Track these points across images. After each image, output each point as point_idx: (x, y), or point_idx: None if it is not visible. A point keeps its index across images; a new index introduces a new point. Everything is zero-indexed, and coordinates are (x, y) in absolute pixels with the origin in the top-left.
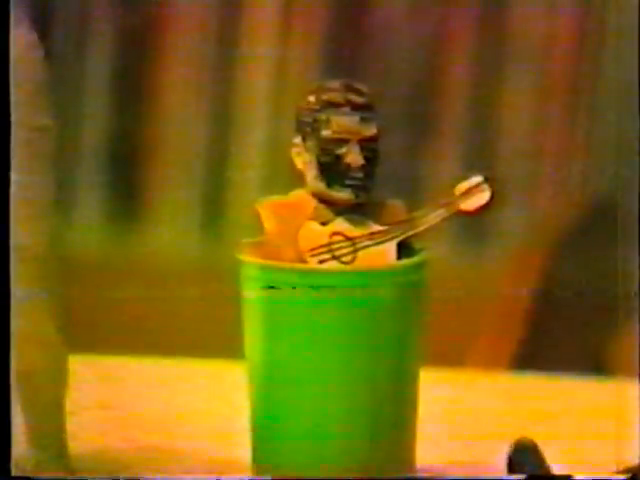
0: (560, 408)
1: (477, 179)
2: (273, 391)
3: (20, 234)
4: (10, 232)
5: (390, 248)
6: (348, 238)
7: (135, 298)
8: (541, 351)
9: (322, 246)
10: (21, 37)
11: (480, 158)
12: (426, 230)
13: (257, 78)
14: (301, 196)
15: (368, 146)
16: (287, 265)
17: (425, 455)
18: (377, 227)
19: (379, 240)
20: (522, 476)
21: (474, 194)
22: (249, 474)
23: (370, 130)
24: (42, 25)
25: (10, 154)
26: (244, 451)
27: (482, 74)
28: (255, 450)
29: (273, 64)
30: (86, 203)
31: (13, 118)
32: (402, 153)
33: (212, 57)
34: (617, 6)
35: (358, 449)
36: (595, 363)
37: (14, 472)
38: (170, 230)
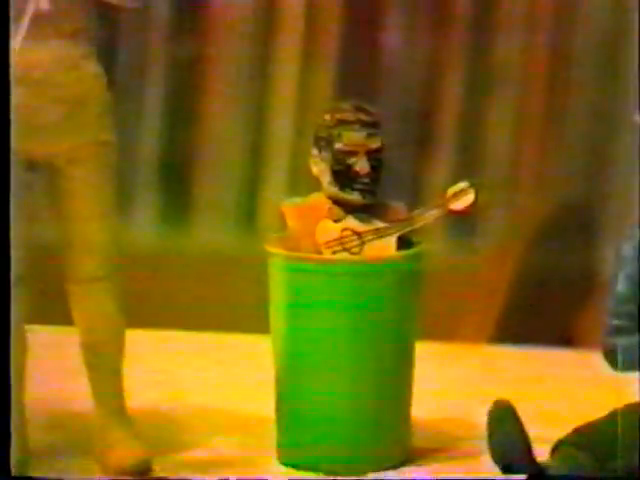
0: (533, 376)
1: (464, 184)
2: (294, 360)
3: (87, 232)
4: (10, 231)
5: (392, 241)
6: (356, 233)
7: (183, 283)
8: (519, 326)
9: (335, 240)
10: (90, 67)
11: (468, 166)
12: (422, 227)
13: (283, 100)
14: (318, 198)
15: (374, 157)
16: (306, 255)
17: (420, 412)
18: (381, 224)
19: (382, 235)
20: (522, 476)
21: (461, 196)
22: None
23: (376, 143)
24: (107, 57)
25: (10, 154)
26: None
27: (471, 93)
28: (279, 412)
29: (296, 87)
30: (143, 206)
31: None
32: (402, 162)
33: (245, 82)
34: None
35: (365, 410)
36: (566, 336)
37: (14, 472)
38: (212, 227)
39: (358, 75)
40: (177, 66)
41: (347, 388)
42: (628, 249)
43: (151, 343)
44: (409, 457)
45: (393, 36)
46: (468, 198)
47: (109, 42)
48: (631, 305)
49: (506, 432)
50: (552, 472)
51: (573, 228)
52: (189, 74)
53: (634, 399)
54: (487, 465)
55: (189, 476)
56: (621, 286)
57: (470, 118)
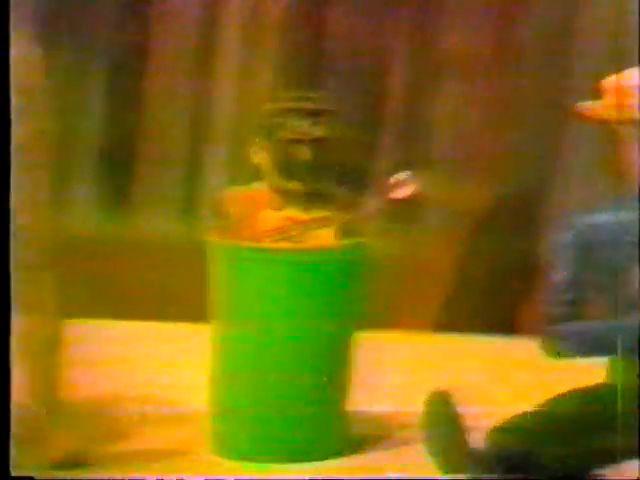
0: (475, 363)
1: (405, 174)
2: (232, 349)
3: (22, 220)
4: (10, 230)
5: (334, 230)
6: (298, 222)
7: (122, 271)
8: (463, 314)
9: (276, 228)
10: (22, 49)
11: (412, 155)
12: (365, 215)
13: (225, 88)
14: (259, 187)
15: (317, 145)
16: (247, 244)
17: (364, 400)
18: (323, 213)
19: (324, 224)
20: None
21: (404, 185)
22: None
23: (319, 132)
24: (44, 40)
25: (10, 154)
26: None
27: (417, 82)
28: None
29: (238, 76)
30: (84, 194)
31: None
32: (346, 151)
33: (187, 71)
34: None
35: (303, 400)
36: (506, 325)
37: (13, 473)
38: (153, 216)
39: (301, 64)
40: (120, 55)
41: (285, 377)
42: (566, 238)
43: (88, 332)
44: (348, 446)
45: (338, 24)
46: (410, 188)
47: (52, 29)
48: (569, 293)
49: (441, 422)
50: (486, 459)
51: (517, 217)
52: (131, 64)
53: (572, 386)
54: (424, 453)
55: (123, 467)
56: (560, 274)
57: (416, 107)
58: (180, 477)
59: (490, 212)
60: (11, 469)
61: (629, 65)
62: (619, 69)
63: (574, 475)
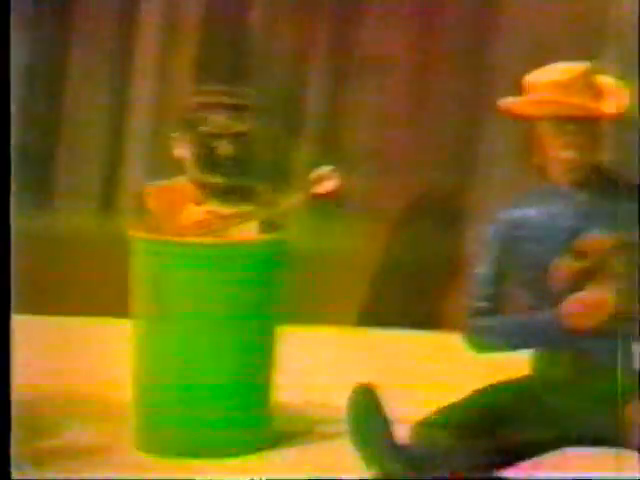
0: (399, 358)
1: (328, 168)
2: (153, 344)
3: None
4: (11, 232)
5: (256, 225)
6: (220, 216)
7: (44, 267)
8: (385, 309)
9: (198, 223)
10: None
11: (333, 150)
12: (287, 210)
13: (145, 82)
14: (181, 181)
15: (239, 139)
16: (169, 238)
17: (287, 395)
18: (245, 207)
19: (247, 218)
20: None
21: (326, 181)
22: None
23: (240, 127)
24: None
25: (10, 153)
26: None
27: (336, 79)
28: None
29: (158, 70)
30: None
31: None
32: (268, 146)
33: (106, 65)
34: None
35: (226, 394)
36: (430, 319)
37: (14, 475)
38: (73, 210)
39: (222, 58)
40: (38, 48)
41: (207, 372)
42: (491, 233)
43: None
44: (272, 440)
45: (259, 19)
46: (332, 183)
47: None
48: (492, 288)
49: (366, 415)
50: (411, 453)
51: (437, 213)
52: (50, 57)
53: (495, 380)
54: (349, 447)
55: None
56: (483, 269)
57: (335, 103)
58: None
59: (413, 207)
60: (12, 469)
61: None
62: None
63: (497, 466)
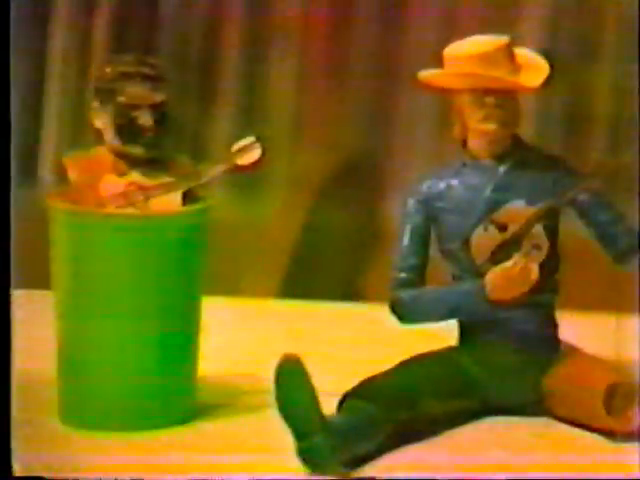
0: (322, 330)
1: (250, 139)
2: (76, 316)
3: None
4: (11, 231)
5: (177, 196)
6: (141, 188)
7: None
8: (306, 280)
9: (119, 194)
10: None
11: (252, 120)
12: (208, 181)
13: (61, 51)
14: (101, 152)
15: (157, 110)
16: (89, 209)
17: (210, 367)
18: (167, 179)
19: (168, 189)
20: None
21: (248, 151)
22: None
23: (159, 97)
24: None
25: (10, 152)
26: None
27: (252, 47)
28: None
29: (74, 38)
30: None
31: None
32: (189, 116)
33: (22, 35)
34: None
35: (149, 366)
36: (351, 291)
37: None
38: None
39: (136, 27)
40: None
41: (130, 343)
42: (412, 204)
43: None
44: (197, 413)
45: None
46: (254, 153)
47: None
48: (415, 258)
49: (293, 386)
50: (339, 424)
51: (358, 183)
52: None
53: (421, 351)
54: (275, 418)
55: None
56: (406, 240)
57: (251, 73)
58: None
59: (334, 178)
60: (13, 469)
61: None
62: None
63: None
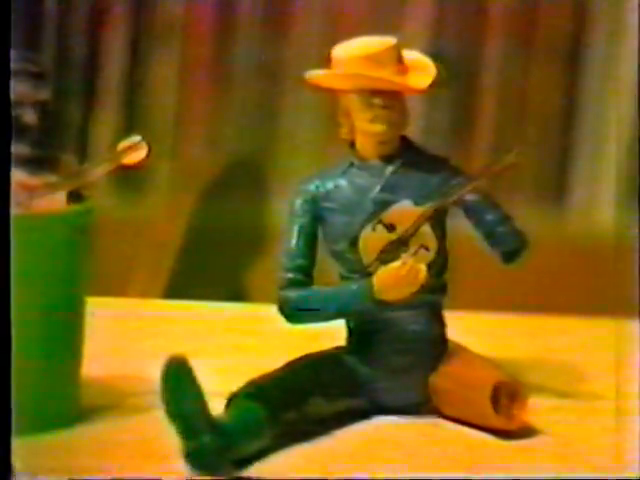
0: (207, 330)
1: (136, 138)
2: None
3: None
4: (10, 232)
5: (62, 196)
6: (25, 187)
7: None
8: (192, 281)
9: None
10: None
11: (137, 120)
12: (93, 181)
13: None
14: None
15: (41, 108)
16: None
17: (95, 368)
18: (51, 178)
19: (53, 189)
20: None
21: (134, 150)
22: None
23: (43, 94)
24: None
25: (10, 151)
26: None
27: (137, 46)
28: None
29: None
30: None
31: None
32: (73, 115)
33: None
34: None
35: (31, 368)
36: (238, 292)
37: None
38: None
39: (19, 23)
40: None
41: (14, 345)
42: (299, 204)
43: None
44: (81, 414)
45: None
46: (140, 152)
47: None
48: (303, 259)
49: (180, 387)
50: (226, 425)
51: (243, 183)
52: None
53: (309, 351)
54: (161, 419)
55: None
56: (293, 240)
57: (136, 71)
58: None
59: (218, 177)
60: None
61: None
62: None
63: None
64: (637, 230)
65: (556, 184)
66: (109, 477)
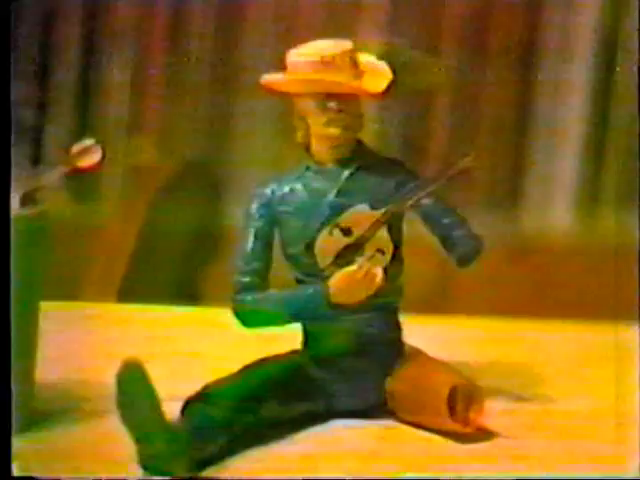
0: (162, 334)
1: (90, 141)
2: None
3: None
4: (10, 230)
5: (15, 200)
6: None
7: None
8: (146, 285)
9: None
10: None
11: (91, 125)
12: (47, 185)
13: None
14: None
15: None
16: None
17: (49, 373)
18: None
19: None
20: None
21: (88, 154)
22: None
23: None
24: None
25: (10, 153)
26: None
27: (90, 53)
28: None
29: None
30: None
31: None
32: (26, 119)
33: None
34: None
35: None
36: (192, 295)
37: (16, 472)
38: None
39: None
40: None
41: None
42: (255, 208)
43: None
44: (33, 420)
45: None
46: (95, 156)
47: None
48: (258, 262)
49: (134, 391)
50: (181, 429)
51: (199, 186)
52: None
53: (264, 354)
54: (116, 424)
55: None
56: (249, 244)
57: (89, 75)
58: None
59: (172, 180)
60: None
61: None
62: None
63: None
64: (637, 232)
65: (510, 186)
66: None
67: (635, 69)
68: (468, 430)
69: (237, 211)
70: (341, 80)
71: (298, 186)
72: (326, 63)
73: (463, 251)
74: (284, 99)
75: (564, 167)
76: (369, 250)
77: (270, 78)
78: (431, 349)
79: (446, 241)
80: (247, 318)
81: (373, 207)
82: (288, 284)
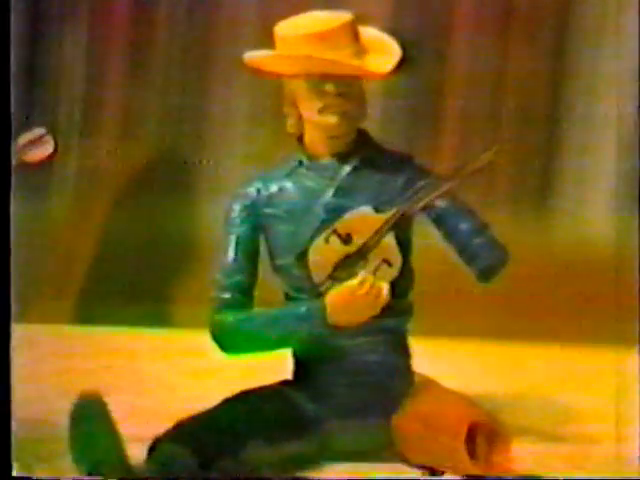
0: (125, 364)
1: (40, 131)
2: None
3: None
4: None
5: None
6: None
7: None
8: (107, 303)
9: None
10: None
11: (40, 113)
12: None
13: None
14: None
15: None
16: None
17: None
18: None
19: None
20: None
21: (37, 146)
22: None
23: None
24: None
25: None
26: None
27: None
28: None
29: None
30: None
31: None
32: None
33: None
34: None
35: None
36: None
37: (15, 472)
38: None
39: None
40: None
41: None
42: (238, 210)
43: None
44: None
45: None
46: (46, 147)
47: None
48: (241, 275)
49: (92, 429)
50: (148, 474)
51: (169, 184)
52: None
53: (248, 386)
54: (70, 467)
55: None
56: (230, 254)
57: (36, 55)
58: None
59: (141, 178)
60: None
61: None
62: None
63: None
64: (637, 233)
65: (539, 186)
66: None
67: None
68: (491, 475)
69: (215, 215)
70: (339, 58)
71: (288, 185)
72: (322, 38)
73: (485, 263)
74: (272, 81)
75: (598, 163)
76: (373, 261)
77: (255, 55)
78: (445, 379)
79: (464, 251)
80: (227, 342)
81: (377, 209)
82: (276, 302)
